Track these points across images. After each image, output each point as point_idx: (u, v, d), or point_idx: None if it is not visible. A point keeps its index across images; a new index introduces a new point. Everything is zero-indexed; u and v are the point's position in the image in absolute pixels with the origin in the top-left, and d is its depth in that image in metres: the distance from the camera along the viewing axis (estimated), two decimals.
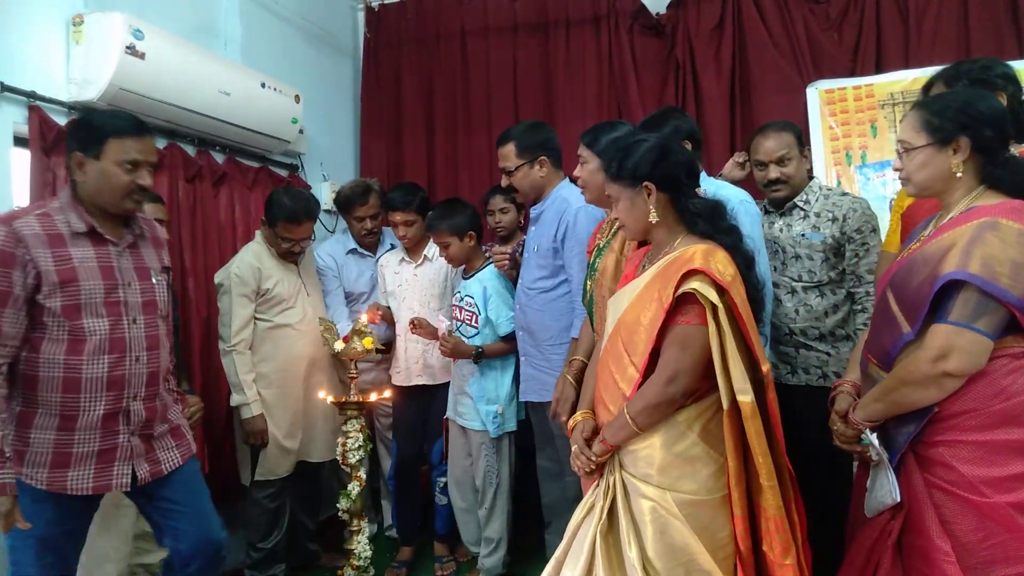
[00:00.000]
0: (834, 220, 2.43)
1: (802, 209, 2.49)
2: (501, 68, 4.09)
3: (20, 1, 2.41)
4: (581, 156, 2.30)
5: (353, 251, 3.36)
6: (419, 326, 2.94)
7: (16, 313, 1.78)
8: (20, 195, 2.44)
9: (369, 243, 3.37)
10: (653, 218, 1.78)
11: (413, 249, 3.19)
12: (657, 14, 3.87)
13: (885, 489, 1.62)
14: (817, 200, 2.49)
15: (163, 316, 2.03)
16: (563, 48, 4.00)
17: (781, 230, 2.52)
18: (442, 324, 2.84)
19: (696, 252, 1.68)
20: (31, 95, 2.40)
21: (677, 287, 1.65)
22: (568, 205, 2.52)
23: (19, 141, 2.44)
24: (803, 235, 2.45)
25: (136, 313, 1.94)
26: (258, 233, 3.01)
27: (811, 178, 2.60)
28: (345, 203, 3.29)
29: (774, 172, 2.51)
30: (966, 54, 3.28)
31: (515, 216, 3.25)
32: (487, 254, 3.03)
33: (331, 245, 3.42)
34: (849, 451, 1.74)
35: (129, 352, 1.91)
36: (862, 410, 1.67)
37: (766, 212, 2.60)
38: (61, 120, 2.50)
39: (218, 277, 2.90)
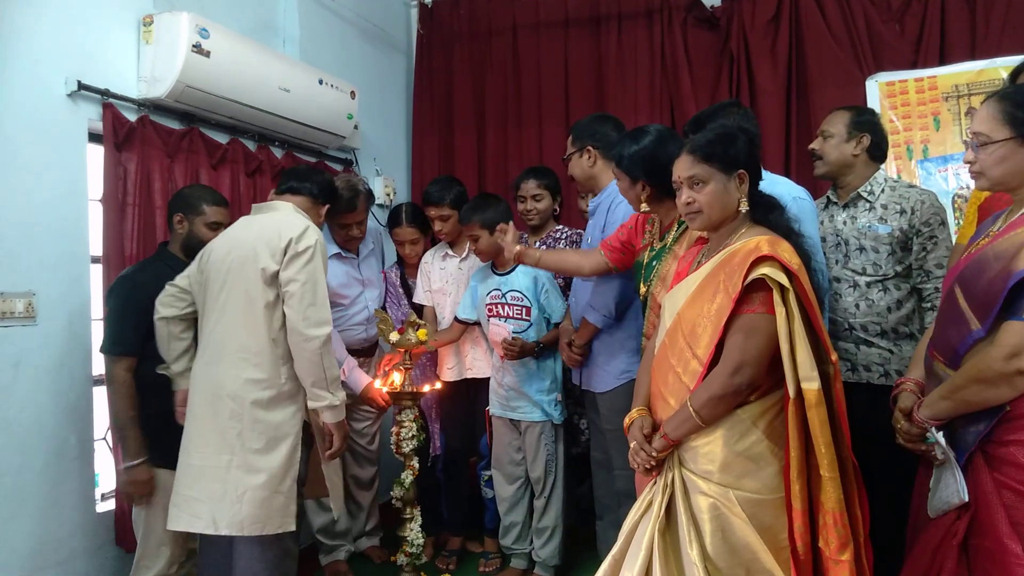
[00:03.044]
0: (902, 212, 2.37)
1: (867, 200, 2.44)
2: (552, 63, 4.10)
3: (95, 3, 2.51)
4: (615, 173, 2.29)
5: (336, 255, 3.00)
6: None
7: None
8: (94, 189, 2.55)
9: (352, 245, 3.07)
10: (744, 207, 1.77)
11: (456, 243, 3.18)
12: (711, 7, 3.83)
13: (951, 489, 1.58)
14: (883, 191, 2.43)
15: None
16: (615, 42, 3.99)
17: (845, 222, 2.47)
18: (505, 330, 2.82)
19: (761, 241, 1.68)
20: (105, 93, 2.49)
21: (746, 275, 1.64)
22: (615, 197, 2.50)
23: (92, 137, 2.53)
24: (869, 226, 2.40)
25: None
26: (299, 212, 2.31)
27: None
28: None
29: (815, 143, 2.52)
30: None
31: (549, 203, 3.09)
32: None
33: None
34: (913, 450, 1.71)
35: None
36: (928, 408, 1.64)
37: (829, 204, 2.55)
38: (131, 116, 2.60)
39: (303, 240, 2.13)
